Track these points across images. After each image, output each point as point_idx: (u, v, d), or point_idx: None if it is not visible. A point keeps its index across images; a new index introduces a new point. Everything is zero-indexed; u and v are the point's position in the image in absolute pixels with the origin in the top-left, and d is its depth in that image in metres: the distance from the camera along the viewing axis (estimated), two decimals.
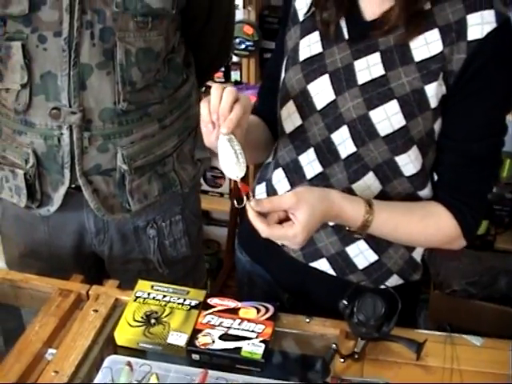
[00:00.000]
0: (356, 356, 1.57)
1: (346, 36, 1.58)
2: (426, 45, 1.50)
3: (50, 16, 1.75)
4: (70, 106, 1.82)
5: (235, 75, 3.40)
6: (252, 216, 1.47)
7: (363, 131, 1.56)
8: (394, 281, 1.73)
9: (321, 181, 1.65)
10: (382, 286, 1.70)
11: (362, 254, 1.69)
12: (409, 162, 1.58)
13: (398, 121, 1.53)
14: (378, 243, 1.67)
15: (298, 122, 1.65)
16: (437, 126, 1.57)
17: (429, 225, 1.60)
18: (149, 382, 1.49)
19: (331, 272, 1.72)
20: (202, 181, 3.51)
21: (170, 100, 1.97)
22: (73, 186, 1.92)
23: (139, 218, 2.05)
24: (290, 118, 1.67)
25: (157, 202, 2.01)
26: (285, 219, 1.48)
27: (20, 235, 2.14)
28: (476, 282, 2.91)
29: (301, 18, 1.64)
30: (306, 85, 1.61)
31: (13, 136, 1.93)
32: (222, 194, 3.74)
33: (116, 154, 1.90)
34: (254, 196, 1.48)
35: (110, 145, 1.89)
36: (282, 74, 1.68)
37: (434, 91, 1.51)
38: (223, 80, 3.40)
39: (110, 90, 1.83)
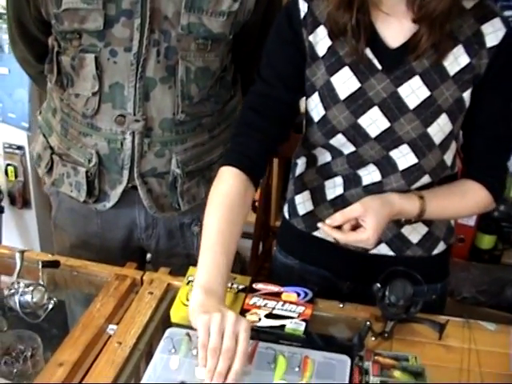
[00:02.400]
0: (386, 335, 1.77)
1: (379, 66, 1.72)
2: (456, 59, 1.72)
3: (121, 33, 1.95)
4: (135, 115, 2.02)
5: None
6: (328, 230, 1.75)
7: (424, 146, 1.78)
8: (441, 247, 2.00)
9: (376, 188, 1.87)
10: (435, 252, 1.97)
11: (415, 230, 1.94)
12: (450, 155, 1.86)
13: (448, 128, 1.78)
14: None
15: (352, 149, 1.84)
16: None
17: (468, 200, 1.85)
18: None
19: (390, 253, 1.96)
20: None
21: (219, 113, 2.19)
22: (129, 185, 2.13)
23: (185, 215, 2.25)
24: (344, 146, 1.85)
25: (203, 203, 2.20)
26: (356, 226, 1.73)
27: (73, 227, 2.32)
28: (485, 291, 3.08)
29: (320, 53, 1.75)
30: (355, 120, 1.75)
31: (78, 137, 2.13)
32: None
33: (171, 159, 2.11)
34: None
35: (166, 151, 2.10)
36: (320, 111, 1.79)
37: (468, 96, 1.75)
38: None
39: (170, 102, 2.04)
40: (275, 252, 2.20)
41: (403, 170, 1.82)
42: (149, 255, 2.46)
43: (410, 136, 1.76)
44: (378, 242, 1.93)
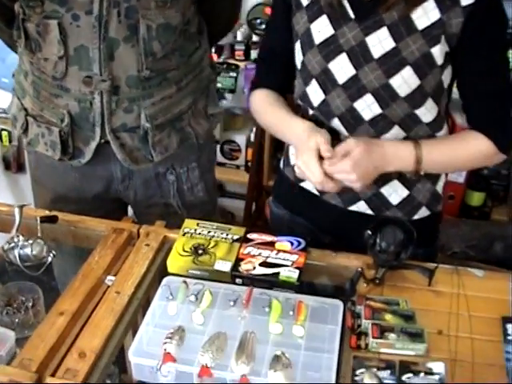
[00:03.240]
0: (377, 281, 1.82)
1: (352, 15, 1.76)
2: (426, 14, 1.74)
3: None
4: (101, 75, 2.07)
5: (254, 54, 3.64)
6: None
7: (386, 96, 1.81)
8: (422, 212, 2.02)
9: None
10: (416, 217, 1.99)
11: (395, 192, 1.97)
12: (426, 112, 1.85)
13: (414, 82, 1.79)
14: (408, 180, 1.94)
15: (322, 97, 1.89)
16: (444, 77, 1.84)
17: (470, 148, 1.85)
18: (203, 296, 1.72)
19: (369, 212, 1.99)
20: (218, 153, 3.74)
21: (185, 65, 2.22)
22: (102, 141, 2.18)
23: (160, 165, 2.30)
24: (316, 93, 1.90)
25: (175, 153, 2.26)
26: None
27: (52, 182, 2.37)
28: (474, 246, 3.14)
29: (304, 3, 1.83)
30: (326, 64, 1.81)
31: (50, 98, 2.17)
32: (238, 167, 3.94)
33: (140, 114, 2.16)
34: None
35: (134, 106, 2.14)
36: (300, 56, 1.87)
37: (438, 52, 1.76)
38: (243, 58, 3.66)
39: (134, 60, 2.08)
40: (269, 203, 2.26)
41: (370, 120, 1.85)
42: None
43: (373, 85, 1.77)
44: (357, 200, 1.98)
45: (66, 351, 1.63)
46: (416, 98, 1.81)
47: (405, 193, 1.97)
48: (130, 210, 2.53)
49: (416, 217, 2.01)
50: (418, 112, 1.85)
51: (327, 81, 1.85)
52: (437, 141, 1.88)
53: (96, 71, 2.06)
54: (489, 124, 1.84)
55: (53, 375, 1.56)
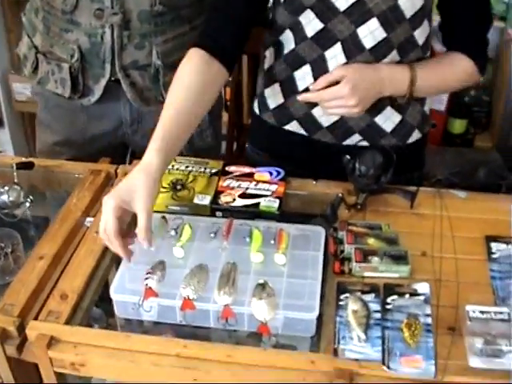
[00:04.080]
0: (359, 207, 1.80)
1: None
2: None
3: None
4: (112, 8, 2.04)
5: None
6: (307, 96, 1.79)
7: (393, 19, 1.77)
8: (415, 135, 2.00)
9: None
10: (410, 141, 1.98)
11: (388, 119, 1.93)
12: (422, 33, 1.84)
13: (419, 1, 1.76)
14: (399, 105, 1.91)
15: (320, 25, 1.81)
16: None
17: (456, 68, 1.87)
18: (183, 230, 1.71)
19: (364, 143, 1.94)
20: None
21: (198, 3, 2.19)
22: (112, 79, 2.15)
23: None
24: (311, 23, 1.82)
25: None
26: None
27: (58, 123, 2.35)
28: (458, 173, 3.12)
29: None
30: None
31: (60, 33, 2.14)
32: None
33: (151, 51, 2.13)
34: None
35: (146, 43, 2.12)
36: None
37: None
38: None
39: None
40: (247, 149, 2.21)
41: (371, 49, 1.80)
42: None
43: (379, 8, 1.75)
44: (351, 133, 1.93)
45: (47, 294, 1.61)
46: (419, 20, 1.80)
47: (398, 118, 1.94)
48: None
49: (410, 141, 1.98)
50: (416, 34, 1.82)
51: (326, 10, 1.77)
52: (428, 63, 1.86)
53: (107, 4, 2.03)
54: (469, 44, 1.86)
55: (35, 319, 1.54)
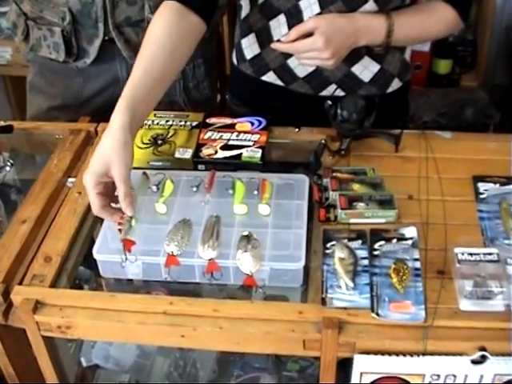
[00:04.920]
0: (343, 152, 1.77)
1: None
2: None
3: None
4: None
5: None
6: (281, 46, 1.71)
7: None
8: (395, 84, 1.96)
9: None
10: (390, 90, 1.93)
11: (366, 69, 1.89)
12: None
13: None
14: (377, 54, 1.86)
15: None
16: None
17: (437, 17, 1.80)
18: (165, 186, 1.68)
19: (341, 93, 1.90)
20: None
21: None
22: (106, 38, 2.11)
23: None
24: None
25: None
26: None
27: (54, 88, 2.30)
28: (445, 113, 3.10)
29: None
30: None
31: None
32: None
33: (143, 5, 2.09)
34: None
35: None
36: None
37: None
38: None
39: None
40: (227, 99, 2.18)
41: None
42: None
43: None
44: (328, 84, 1.90)
45: (31, 258, 1.59)
46: None
47: (376, 68, 1.90)
48: None
49: (389, 90, 1.94)
50: None
51: None
52: (406, 12, 1.80)
53: None
54: None
55: (20, 283, 1.52)
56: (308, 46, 1.68)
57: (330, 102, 1.74)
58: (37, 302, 1.47)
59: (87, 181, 1.48)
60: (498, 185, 1.68)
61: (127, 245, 1.50)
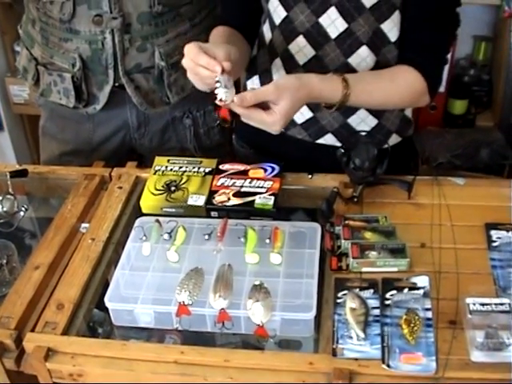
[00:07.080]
0: (355, 199, 1.78)
1: None
2: None
3: None
4: (111, 12, 2.01)
5: None
6: (232, 105, 1.56)
7: (351, 8, 1.73)
8: (393, 139, 1.95)
9: (315, 65, 1.81)
10: (385, 146, 1.87)
11: (363, 122, 1.89)
12: (393, 27, 1.76)
13: None
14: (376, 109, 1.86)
15: (283, 13, 1.80)
16: None
17: (400, 83, 1.73)
18: (177, 233, 1.68)
19: (337, 144, 1.90)
20: None
21: (198, 0, 2.16)
22: (116, 84, 2.12)
23: (176, 109, 2.25)
24: (276, 11, 1.82)
25: (192, 94, 2.17)
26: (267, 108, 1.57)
27: (65, 133, 2.32)
28: (460, 155, 3.08)
29: None
30: None
31: (59, 43, 2.11)
32: None
33: (154, 52, 2.10)
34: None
35: (148, 45, 2.09)
36: None
37: None
38: None
39: None
40: (233, 142, 2.19)
41: (336, 38, 1.77)
42: None
43: None
44: (325, 133, 1.91)
45: (44, 305, 1.59)
46: (383, 10, 1.73)
47: (373, 122, 1.90)
48: None
49: (387, 145, 1.89)
50: (383, 27, 1.75)
51: None
52: (366, 77, 1.75)
53: (106, 9, 2.00)
54: (419, 53, 1.73)
55: (32, 330, 1.53)
56: (263, 120, 1.58)
57: (342, 150, 1.75)
58: (48, 349, 1.47)
59: (188, 46, 1.57)
60: (510, 232, 1.68)
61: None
